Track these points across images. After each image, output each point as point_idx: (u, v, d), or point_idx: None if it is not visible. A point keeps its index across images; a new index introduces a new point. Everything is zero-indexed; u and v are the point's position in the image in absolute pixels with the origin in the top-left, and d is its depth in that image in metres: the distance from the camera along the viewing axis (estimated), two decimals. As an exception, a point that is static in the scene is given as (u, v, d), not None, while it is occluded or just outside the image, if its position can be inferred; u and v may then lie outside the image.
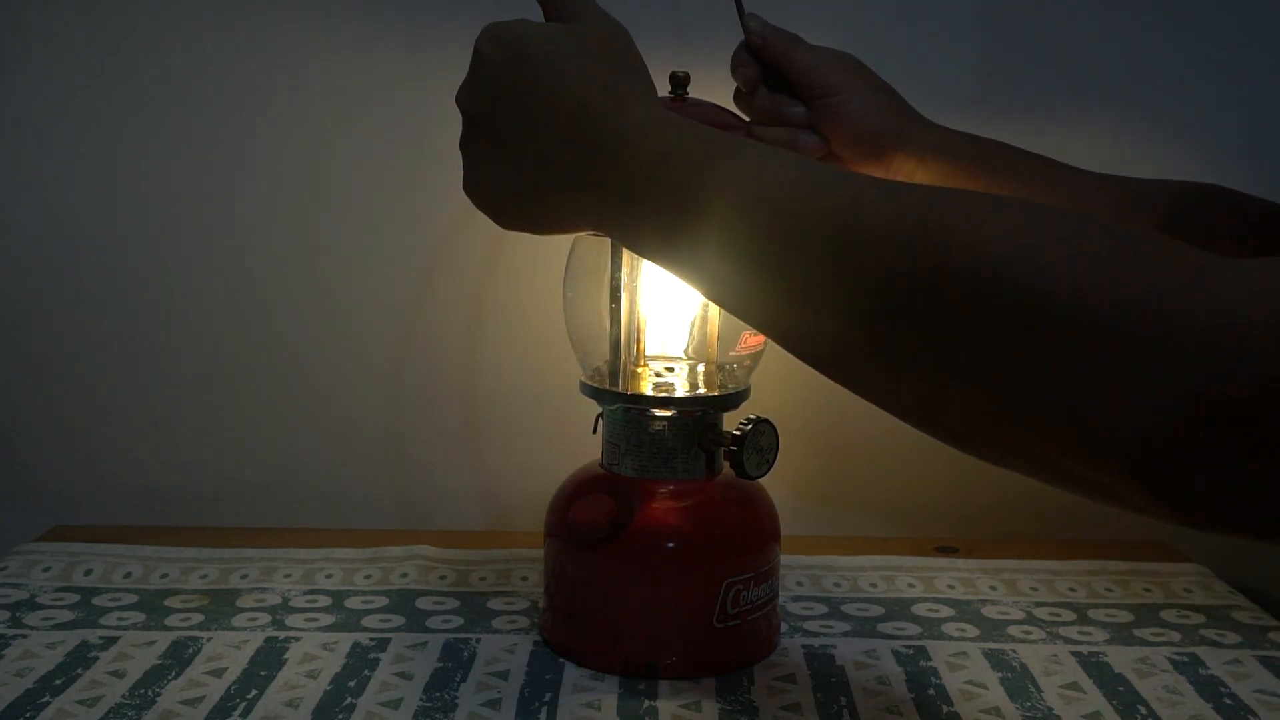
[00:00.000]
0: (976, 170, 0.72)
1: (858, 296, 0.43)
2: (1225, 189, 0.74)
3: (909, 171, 0.73)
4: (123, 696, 0.65)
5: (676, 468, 0.70)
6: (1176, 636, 0.75)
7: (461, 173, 0.58)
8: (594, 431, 0.73)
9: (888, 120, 0.72)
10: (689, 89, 0.69)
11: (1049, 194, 0.72)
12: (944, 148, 0.73)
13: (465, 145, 0.58)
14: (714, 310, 0.72)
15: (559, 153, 0.54)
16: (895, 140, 0.72)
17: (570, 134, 0.54)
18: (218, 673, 0.68)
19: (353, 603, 0.78)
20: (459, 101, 0.57)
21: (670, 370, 0.72)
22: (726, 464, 0.70)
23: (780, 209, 0.46)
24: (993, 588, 0.82)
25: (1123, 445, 0.37)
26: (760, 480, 0.70)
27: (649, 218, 0.52)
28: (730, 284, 0.50)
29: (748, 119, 0.73)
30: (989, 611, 0.78)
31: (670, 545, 0.68)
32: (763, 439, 0.69)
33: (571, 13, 0.58)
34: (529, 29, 0.56)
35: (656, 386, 0.71)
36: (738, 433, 0.68)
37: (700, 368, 0.73)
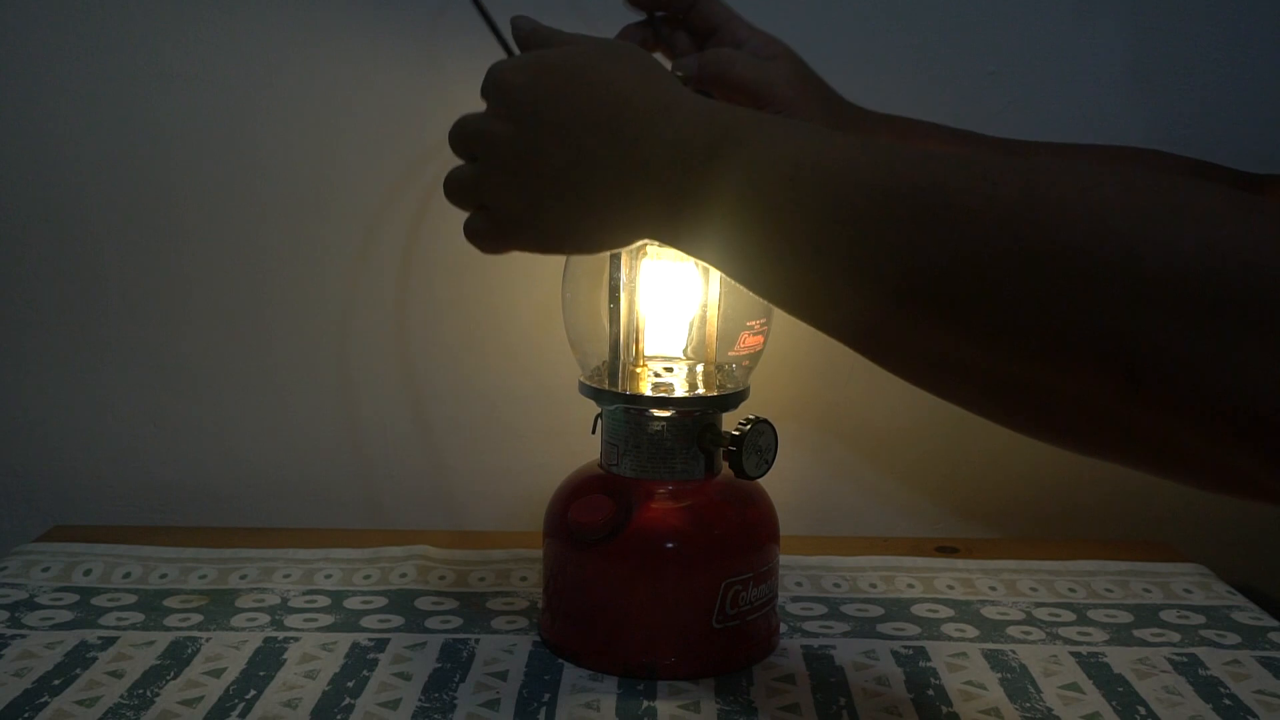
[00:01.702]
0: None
1: (948, 278, 0.41)
2: (1147, 150, 0.74)
3: None
4: (121, 697, 0.65)
5: (675, 468, 0.70)
6: (1176, 637, 0.75)
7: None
8: (593, 432, 0.73)
9: (831, 121, 0.73)
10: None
11: None
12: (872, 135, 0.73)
13: (495, 189, 0.56)
14: (713, 310, 0.72)
15: (606, 158, 0.53)
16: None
17: (615, 135, 0.53)
18: (216, 673, 0.68)
19: (352, 603, 0.78)
20: (479, 145, 0.56)
21: (669, 370, 0.72)
22: (725, 464, 0.70)
23: (858, 186, 0.44)
24: (992, 588, 0.82)
25: (1260, 416, 0.35)
26: (760, 480, 0.70)
27: (709, 207, 0.50)
28: (801, 272, 0.47)
29: None
30: (988, 612, 0.78)
31: (669, 545, 0.68)
32: (761, 439, 0.69)
33: (571, 39, 0.58)
34: (544, 53, 0.56)
35: (655, 387, 0.71)
36: (736, 433, 0.68)
37: (699, 368, 0.73)
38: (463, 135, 0.58)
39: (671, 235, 0.53)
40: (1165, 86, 0.90)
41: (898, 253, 0.43)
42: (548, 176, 0.55)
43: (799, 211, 0.46)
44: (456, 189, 0.59)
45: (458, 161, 0.59)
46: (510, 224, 0.57)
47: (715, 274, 0.71)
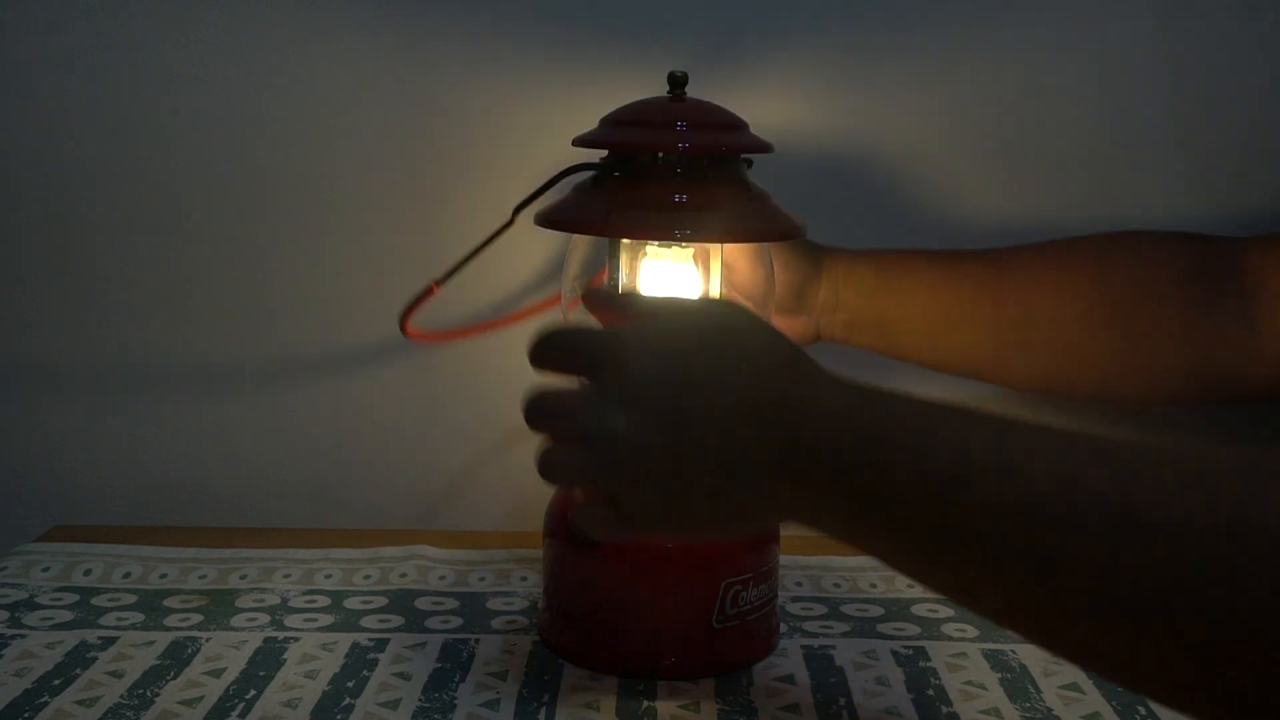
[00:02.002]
0: (891, 289, 0.77)
1: (1138, 595, 0.40)
2: (1141, 233, 0.77)
3: (830, 307, 0.77)
4: (121, 697, 0.65)
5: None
6: (1176, 637, 0.75)
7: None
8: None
9: (813, 269, 0.76)
10: (687, 88, 0.69)
11: (986, 289, 0.76)
12: (851, 277, 0.76)
13: (624, 483, 0.52)
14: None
15: (758, 449, 0.50)
16: (812, 284, 0.76)
17: (766, 423, 0.50)
18: (216, 673, 0.68)
19: (351, 603, 0.78)
20: (602, 436, 0.51)
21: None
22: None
23: (1035, 495, 0.42)
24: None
25: None
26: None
27: (871, 500, 0.48)
28: (973, 572, 0.45)
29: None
30: (989, 612, 0.78)
31: (669, 545, 0.68)
32: None
33: (678, 311, 0.56)
34: (665, 329, 0.53)
35: None
36: None
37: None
38: (572, 422, 0.53)
39: (828, 525, 0.51)
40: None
41: (1081, 570, 0.41)
42: (694, 471, 0.51)
43: (969, 513, 0.44)
44: (565, 474, 0.55)
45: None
46: (644, 517, 0.53)
47: (715, 274, 0.71)
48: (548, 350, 0.56)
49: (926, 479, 0.45)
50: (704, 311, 0.56)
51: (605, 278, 0.69)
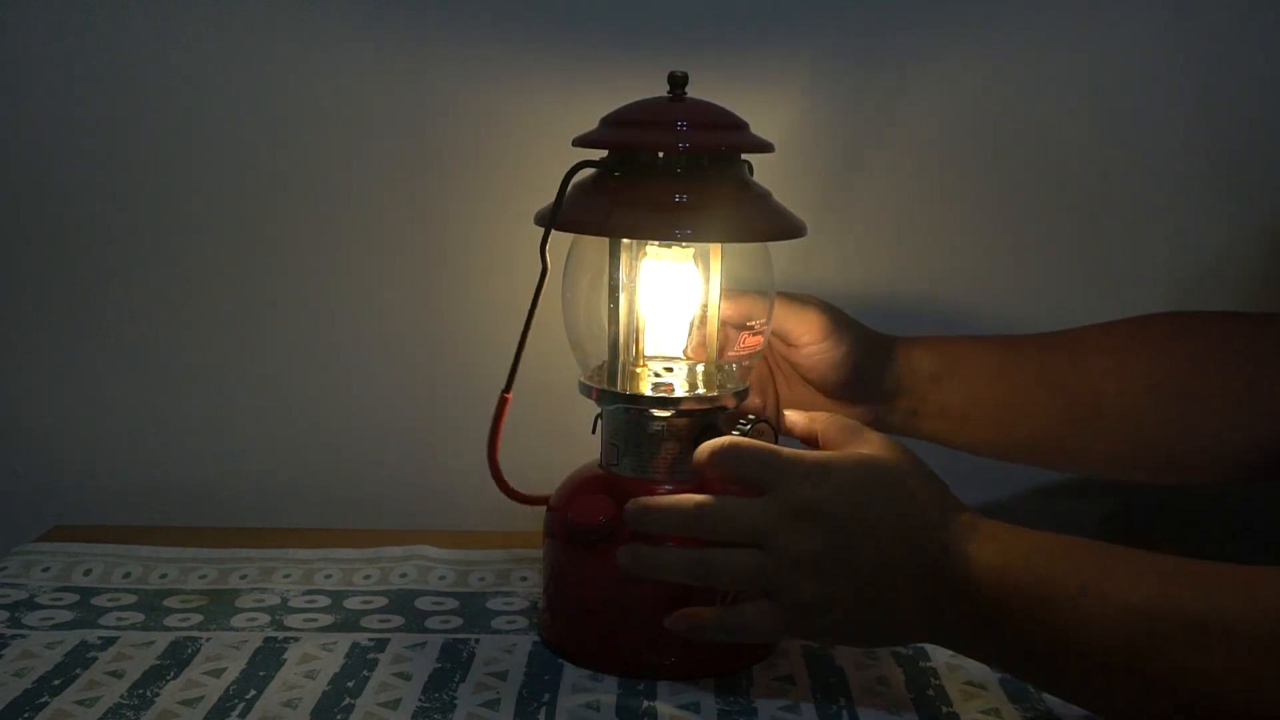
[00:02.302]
0: (954, 377, 0.77)
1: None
2: (1179, 314, 0.78)
3: (891, 394, 0.77)
4: (121, 697, 0.65)
5: (675, 468, 0.70)
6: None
7: None
8: (593, 432, 0.73)
9: (867, 354, 0.76)
10: (687, 88, 0.69)
11: (1050, 375, 0.76)
12: (911, 364, 0.77)
13: (788, 586, 0.61)
14: (713, 310, 0.72)
15: (911, 570, 0.60)
16: (874, 371, 0.76)
17: (919, 549, 0.60)
18: (216, 673, 0.68)
19: (352, 603, 0.78)
20: (774, 542, 0.61)
21: (669, 370, 0.72)
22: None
23: (1138, 614, 0.53)
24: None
25: None
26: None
27: (1000, 622, 0.58)
28: (1086, 680, 0.56)
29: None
30: (989, 612, 0.78)
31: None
32: (761, 439, 0.68)
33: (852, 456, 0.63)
34: (832, 461, 0.62)
35: (656, 387, 0.71)
36: (735, 433, 0.68)
37: (699, 368, 0.73)
38: (749, 524, 0.62)
39: (963, 644, 0.61)
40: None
41: (1174, 684, 0.52)
42: (852, 581, 0.61)
43: (1082, 632, 0.55)
44: (731, 575, 0.63)
45: None
46: (801, 620, 0.62)
47: (715, 274, 0.71)
48: (732, 460, 0.64)
49: (1049, 607, 0.56)
50: (873, 463, 0.63)
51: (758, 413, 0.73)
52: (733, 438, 0.65)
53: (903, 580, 0.60)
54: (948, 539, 0.60)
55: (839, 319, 0.75)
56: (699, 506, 0.63)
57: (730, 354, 0.72)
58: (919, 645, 0.72)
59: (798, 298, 0.75)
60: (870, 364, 0.76)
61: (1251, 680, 0.49)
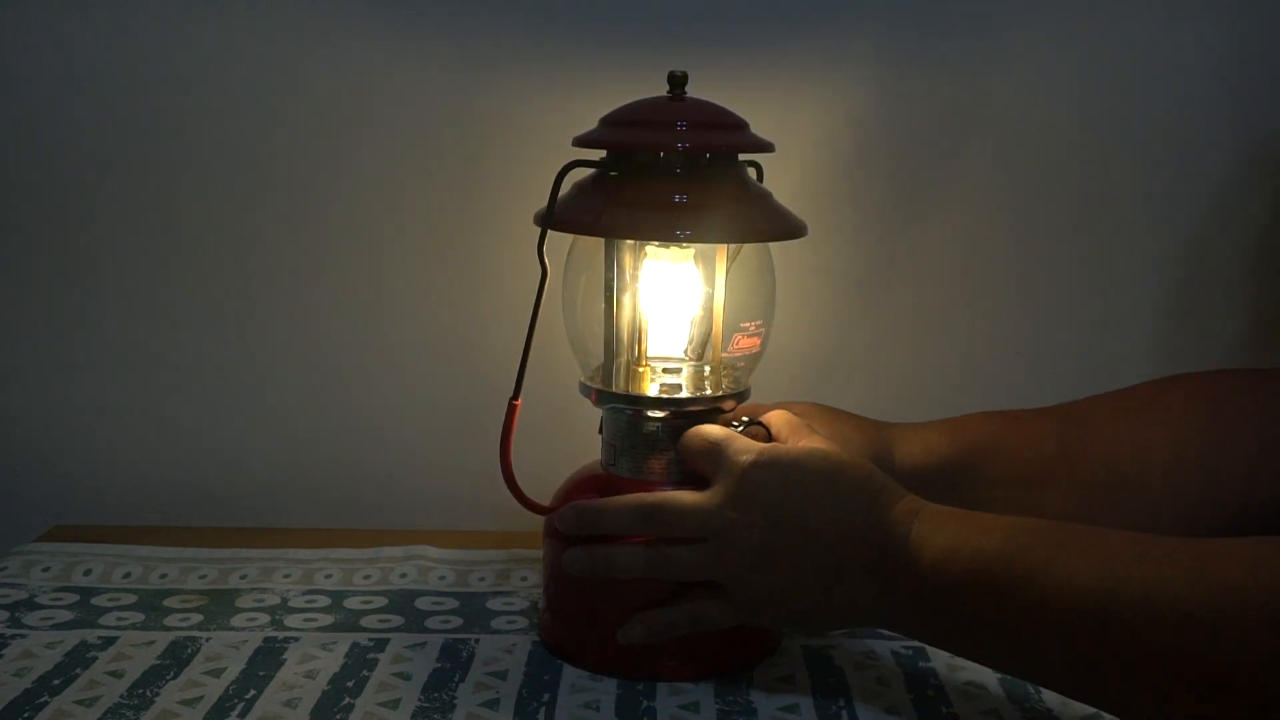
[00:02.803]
0: (970, 458, 0.76)
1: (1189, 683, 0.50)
2: (1210, 373, 0.78)
3: (905, 480, 0.74)
4: (121, 697, 0.65)
5: (671, 469, 0.70)
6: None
7: None
8: (599, 431, 0.73)
9: (871, 447, 0.75)
10: (687, 88, 0.69)
11: (1069, 451, 0.75)
12: (926, 450, 0.75)
13: (738, 577, 0.64)
14: (713, 311, 0.72)
15: (855, 561, 0.62)
16: (885, 463, 0.74)
17: (863, 541, 0.62)
18: (216, 673, 0.68)
19: (351, 603, 0.78)
20: (723, 534, 0.64)
21: (669, 371, 0.72)
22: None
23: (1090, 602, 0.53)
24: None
25: None
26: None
27: (958, 629, 0.60)
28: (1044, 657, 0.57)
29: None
30: (989, 612, 0.78)
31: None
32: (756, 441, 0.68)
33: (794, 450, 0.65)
34: (782, 453, 0.64)
35: (661, 387, 0.71)
36: None
37: (706, 370, 0.73)
38: (696, 520, 0.64)
39: (917, 630, 0.63)
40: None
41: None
42: (801, 571, 0.63)
43: (1036, 614, 0.55)
44: (683, 570, 0.65)
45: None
46: (751, 607, 0.65)
47: (715, 275, 0.71)
48: (685, 446, 0.68)
49: (995, 589, 0.57)
50: (813, 453, 0.65)
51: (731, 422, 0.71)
52: (660, 495, 0.67)
53: (850, 569, 0.62)
54: (892, 525, 0.62)
55: (837, 415, 0.75)
56: (648, 504, 0.66)
57: (724, 355, 0.72)
58: (918, 645, 0.72)
59: (799, 429, 0.72)
60: (880, 461, 0.74)
61: (1199, 654, 0.49)
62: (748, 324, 0.72)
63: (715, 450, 0.66)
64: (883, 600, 0.62)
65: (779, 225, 0.69)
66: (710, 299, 0.71)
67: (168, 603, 0.77)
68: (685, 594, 0.67)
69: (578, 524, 0.68)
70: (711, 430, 0.67)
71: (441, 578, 0.82)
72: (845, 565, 0.62)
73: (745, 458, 0.64)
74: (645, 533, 0.66)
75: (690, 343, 0.73)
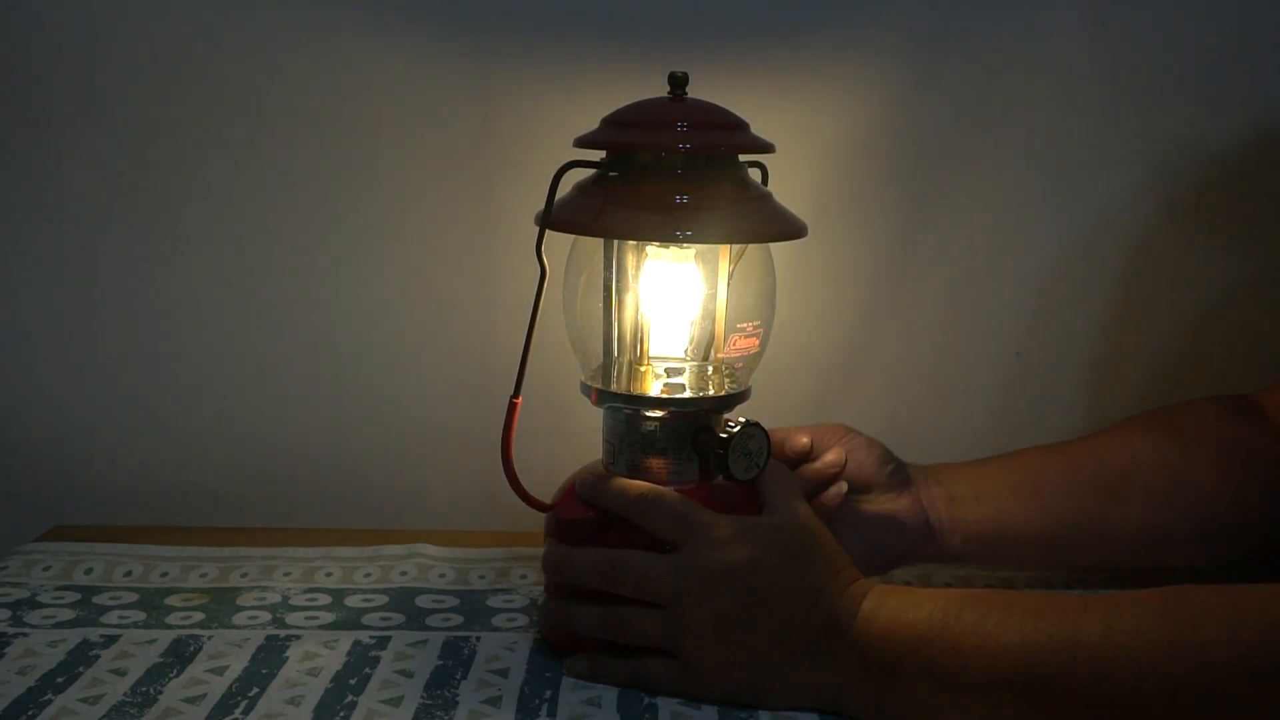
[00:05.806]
0: (997, 501, 0.78)
1: None
2: (1197, 401, 0.81)
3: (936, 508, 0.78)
4: (124, 695, 0.65)
5: (669, 469, 0.70)
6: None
7: None
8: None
9: (900, 485, 0.78)
10: (687, 88, 0.69)
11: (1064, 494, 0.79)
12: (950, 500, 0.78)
13: (694, 643, 0.64)
14: (712, 311, 0.72)
15: (816, 634, 0.63)
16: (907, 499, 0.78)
17: (824, 616, 0.63)
18: (219, 671, 0.68)
19: (353, 601, 0.78)
20: (682, 600, 0.64)
21: (669, 371, 0.72)
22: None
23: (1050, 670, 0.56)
24: (989, 585, 0.83)
25: None
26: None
27: (899, 701, 0.61)
28: None
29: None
30: (987, 609, 0.78)
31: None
32: (751, 442, 0.68)
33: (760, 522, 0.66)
34: (752, 522, 0.66)
35: (661, 387, 0.71)
36: (724, 435, 0.68)
37: (709, 370, 0.73)
38: (655, 586, 0.65)
39: (859, 706, 0.63)
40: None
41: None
42: (754, 646, 0.63)
43: (968, 676, 0.58)
44: (636, 634, 0.65)
45: None
46: (700, 677, 0.64)
47: (716, 275, 0.71)
48: (652, 509, 0.67)
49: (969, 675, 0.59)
50: (785, 528, 0.66)
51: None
52: (657, 487, 0.67)
53: (799, 646, 0.63)
54: (846, 603, 0.63)
55: (871, 446, 0.79)
56: (610, 561, 0.66)
57: (722, 354, 0.72)
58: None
59: (830, 437, 0.77)
60: (902, 493, 0.79)
61: (1118, 695, 0.54)
62: (745, 324, 0.72)
63: (684, 520, 0.65)
64: (831, 677, 0.63)
65: (779, 226, 0.69)
66: (711, 299, 0.72)
67: (169, 601, 0.78)
68: (635, 651, 0.66)
69: (554, 569, 0.69)
70: (671, 498, 0.67)
71: (442, 575, 0.82)
72: (794, 644, 0.63)
73: (720, 532, 0.64)
74: (602, 587, 0.67)
75: (691, 343, 0.73)
